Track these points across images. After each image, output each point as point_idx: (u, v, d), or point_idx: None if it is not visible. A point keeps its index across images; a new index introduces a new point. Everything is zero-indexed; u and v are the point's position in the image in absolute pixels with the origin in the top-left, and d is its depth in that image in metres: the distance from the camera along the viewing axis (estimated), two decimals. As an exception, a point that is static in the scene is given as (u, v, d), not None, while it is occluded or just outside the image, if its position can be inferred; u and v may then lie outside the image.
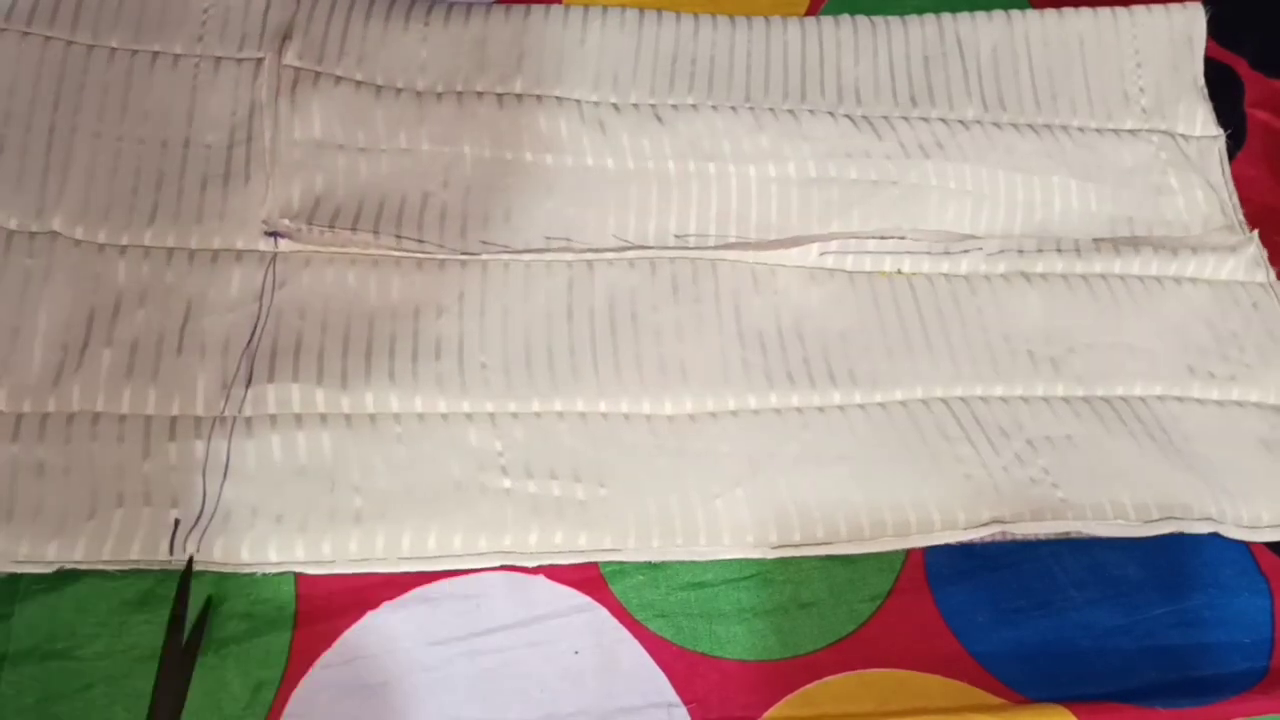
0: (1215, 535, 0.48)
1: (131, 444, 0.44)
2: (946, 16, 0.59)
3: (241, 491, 0.44)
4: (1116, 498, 0.47)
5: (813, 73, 0.57)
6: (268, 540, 0.43)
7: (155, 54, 0.52)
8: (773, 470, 0.47)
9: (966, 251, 0.53)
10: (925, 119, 0.56)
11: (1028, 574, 0.47)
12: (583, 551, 0.45)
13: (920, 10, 0.60)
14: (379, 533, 0.44)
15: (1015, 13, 0.60)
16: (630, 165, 0.53)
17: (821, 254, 0.52)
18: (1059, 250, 0.54)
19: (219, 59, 0.52)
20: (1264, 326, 0.54)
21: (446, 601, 0.44)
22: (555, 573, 0.45)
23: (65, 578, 0.42)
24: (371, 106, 0.52)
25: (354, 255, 0.49)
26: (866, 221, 0.53)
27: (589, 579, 0.45)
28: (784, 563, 0.46)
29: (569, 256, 0.51)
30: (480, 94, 0.53)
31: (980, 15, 0.60)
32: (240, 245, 0.49)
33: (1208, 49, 0.60)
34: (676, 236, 0.52)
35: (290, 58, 0.52)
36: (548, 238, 0.51)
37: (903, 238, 0.53)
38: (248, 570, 0.43)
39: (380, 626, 0.43)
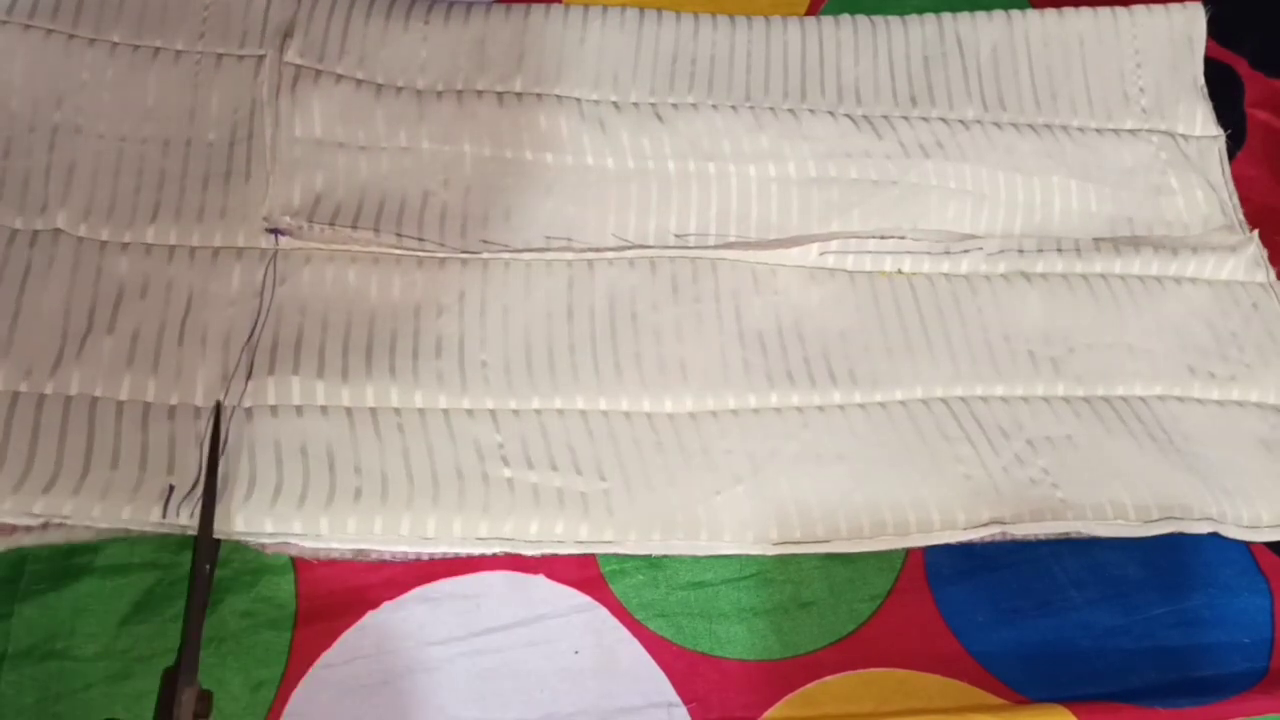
0: (1215, 535, 0.48)
1: (129, 421, 0.44)
2: (946, 16, 0.59)
3: (240, 465, 0.43)
4: (1116, 498, 0.47)
5: (813, 72, 0.57)
6: (264, 512, 0.42)
7: (157, 50, 0.52)
8: (773, 469, 0.47)
9: (967, 251, 0.53)
10: (925, 119, 0.56)
11: (1027, 574, 0.47)
12: (584, 543, 0.45)
13: (920, 10, 0.60)
14: (378, 513, 0.43)
15: (1015, 12, 0.60)
16: (630, 164, 0.53)
17: (821, 254, 0.52)
18: (1059, 250, 0.54)
19: (220, 56, 0.52)
20: (1264, 326, 0.54)
21: (447, 601, 0.44)
22: (555, 572, 0.45)
23: (65, 577, 0.42)
24: (372, 105, 0.52)
25: (354, 253, 0.49)
26: (866, 221, 0.53)
27: (589, 579, 0.45)
28: (784, 562, 0.46)
29: (569, 255, 0.51)
30: (480, 93, 0.53)
31: (980, 15, 0.59)
32: (241, 242, 0.49)
33: (1208, 49, 0.60)
34: (676, 236, 0.52)
35: (291, 55, 0.52)
36: (548, 237, 0.51)
37: (903, 237, 0.53)
38: (239, 537, 0.42)
39: (380, 626, 0.43)
